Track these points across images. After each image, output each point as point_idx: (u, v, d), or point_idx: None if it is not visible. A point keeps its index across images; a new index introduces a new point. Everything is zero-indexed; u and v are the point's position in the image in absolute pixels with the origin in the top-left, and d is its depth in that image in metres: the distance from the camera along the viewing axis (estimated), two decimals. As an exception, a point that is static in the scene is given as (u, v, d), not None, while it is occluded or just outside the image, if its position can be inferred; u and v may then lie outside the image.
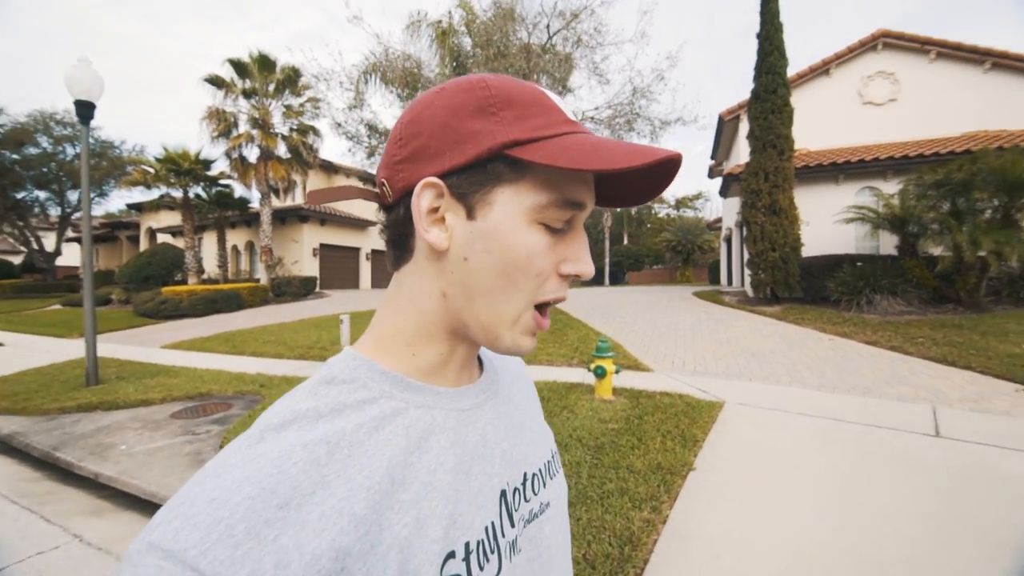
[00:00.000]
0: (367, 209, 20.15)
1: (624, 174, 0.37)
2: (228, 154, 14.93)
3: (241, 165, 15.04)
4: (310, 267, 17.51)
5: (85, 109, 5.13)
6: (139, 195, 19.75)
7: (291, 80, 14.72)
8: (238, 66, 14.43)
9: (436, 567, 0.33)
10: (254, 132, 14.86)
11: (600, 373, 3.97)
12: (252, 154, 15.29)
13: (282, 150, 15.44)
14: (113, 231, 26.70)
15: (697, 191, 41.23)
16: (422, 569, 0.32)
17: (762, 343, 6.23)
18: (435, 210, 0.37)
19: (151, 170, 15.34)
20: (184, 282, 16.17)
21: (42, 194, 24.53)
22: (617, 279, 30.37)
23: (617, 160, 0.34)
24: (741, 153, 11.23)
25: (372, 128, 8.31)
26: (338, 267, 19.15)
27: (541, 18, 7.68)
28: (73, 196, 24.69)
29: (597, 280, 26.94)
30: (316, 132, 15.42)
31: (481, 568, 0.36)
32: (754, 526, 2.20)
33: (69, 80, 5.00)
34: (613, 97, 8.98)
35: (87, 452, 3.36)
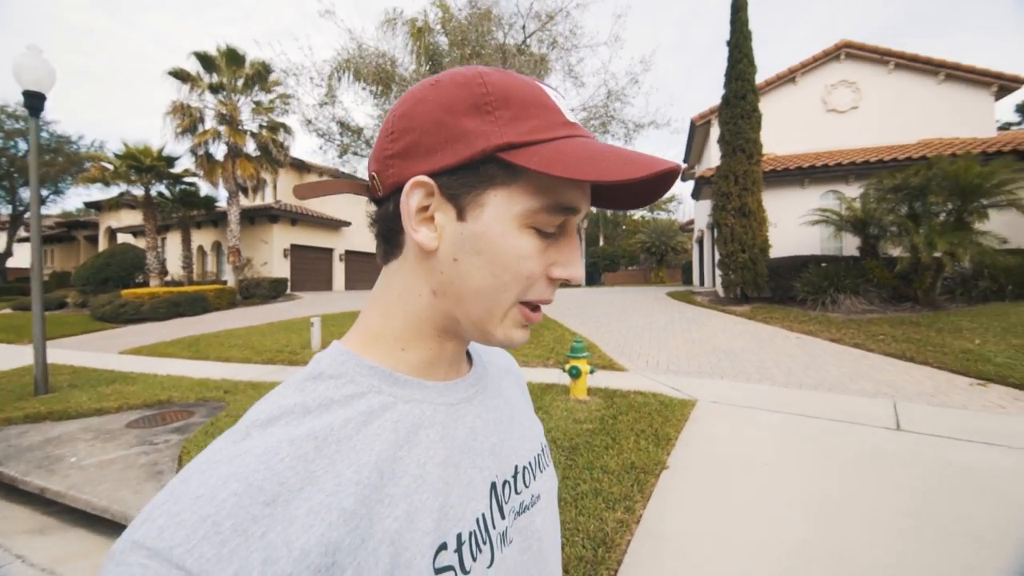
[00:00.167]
0: (341, 209, 19.76)
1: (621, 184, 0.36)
2: (193, 151, 14.37)
3: (207, 162, 14.51)
4: (280, 268, 17.02)
5: (34, 100, 4.83)
6: (98, 193, 18.90)
7: (261, 76, 14.29)
8: (205, 60, 13.93)
9: (428, 559, 0.33)
10: (221, 128, 14.35)
11: (575, 373, 3.97)
12: (219, 151, 14.77)
13: (251, 147, 14.97)
14: (70, 231, 25.39)
15: (671, 194, 42.11)
16: (414, 561, 0.32)
17: (732, 342, 6.37)
18: (424, 208, 0.37)
19: (110, 167, 14.65)
20: (146, 284, 15.50)
21: (-9, 191, 23.17)
22: (593, 280, 30.68)
23: (613, 171, 0.33)
24: (712, 157, 11.50)
25: (344, 126, 8.13)
26: (310, 268, 18.69)
27: (517, 19, 7.67)
28: (25, 194, 23.37)
29: (574, 281, 27.08)
30: (287, 129, 15.02)
31: (474, 559, 0.36)
32: (725, 523, 2.22)
33: (17, 69, 4.69)
34: (588, 99, 9.05)
35: (33, 465, 3.14)
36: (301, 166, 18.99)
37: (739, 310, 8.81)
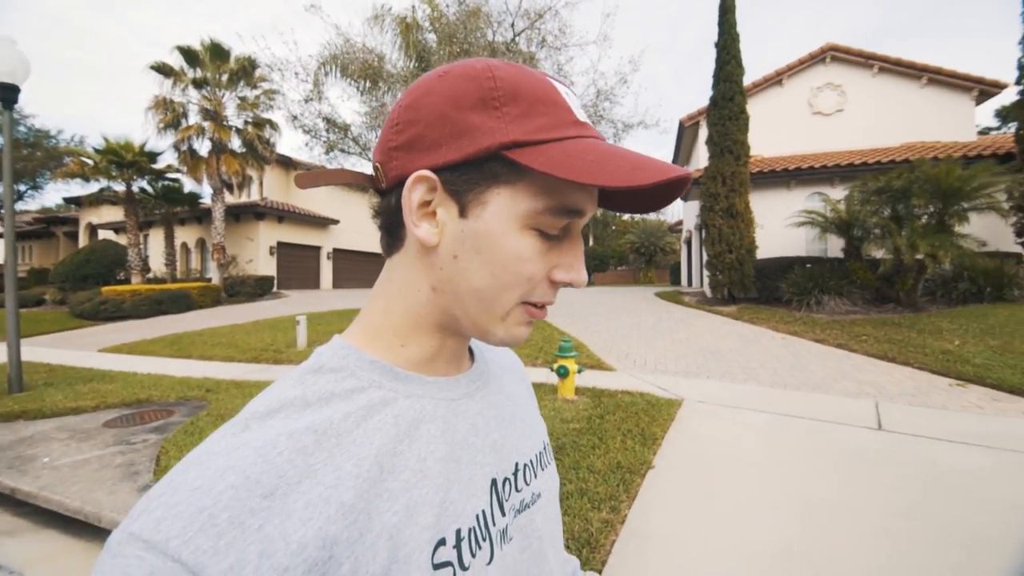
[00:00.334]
0: (328, 206, 19.55)
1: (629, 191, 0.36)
2: (177, 146, 14.11)
3: (191, 158, 14.25)
4: (266, 266, 16.78)
5: (7, 92, 4.67)
6: (78, 188, 18.45)
7: (246, 71, 14.07)
8: (188, 54, 13.67)
9: (427, 554, 0.33)
10: (205, 124, 14.10)
11: (563, 373, 3.96)
12: (203, 147, 14.53)
13: (236, 144, 14.74)
14: (48, 227, 24.74)
15: (660, 194, 42.21)
16: (413, 556, 0.32)
17: (719, 342, 6.41)
18: (427, 203, 0.36)
19: (90, 162, 14.33)
20: (127, 281, 15.17)
21: (-36, 185, 22.47)
22: (583, 280, 30.71)
23: (621, 176, 0.32)
24: (700, 158, 11.58)
25: (330, 122, 8.03)
26: (297, 266, 18.45)
27: (506, 16, 7.65)
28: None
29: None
30: (273, 125, 14.81)
31: (473, 555, 0.36)
32: (710, 523, 2.22)
33: (-12, 59, 4.55)
34: (577, 99, 9.06)
35: (4, 465, 3.04)
36: (288, 163, 18.75)
37: (726, 310, 8.89)
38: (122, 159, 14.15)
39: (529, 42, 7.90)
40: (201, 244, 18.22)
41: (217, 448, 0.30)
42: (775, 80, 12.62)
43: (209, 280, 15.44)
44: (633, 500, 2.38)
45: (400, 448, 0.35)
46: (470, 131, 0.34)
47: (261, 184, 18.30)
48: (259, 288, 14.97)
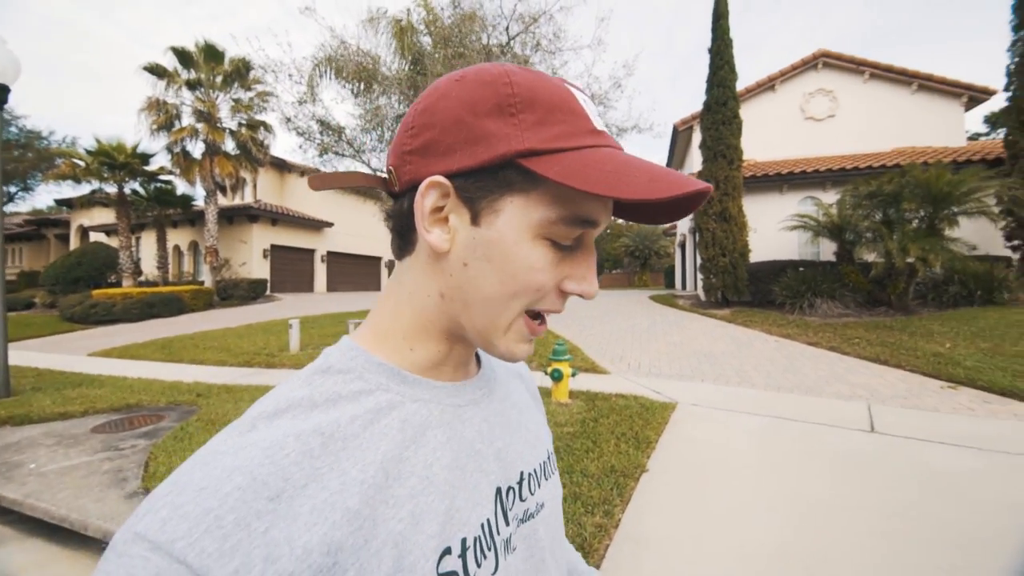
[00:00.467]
0: (322, 209, 19.49)
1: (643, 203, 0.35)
2: (170, 148, 14.04)
3: (184, 160, 14.18)
4: (260, 269, 16.68)
5: (-3, 92, 4.63)
6: (69, 190, 18.27)
7: (240, 73, 14.03)
8: (182, 55, 13.62)
9: (432, 563, 0.32)
10: (199, 126, 14.04)
11: (557, 376, 3.95)
12: (197, 149, 14.47)
13: (230, 146, 14.68)
14: (39, 229, 24.47)
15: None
16: (418, 564, 0.32)
17: (713, 345, 6.43)
18: (439, 209, 0.36)
19: (81, 163, 14.20)
20: (118, 284, 15.03)
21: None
22: (578, 283, 30.82)
23: (637, 189, 0.32)
24: (694, 162, 11.65)
25: (324, 124, 8.00)
26: (291, 269, 18.36)
27: (500, 20, 7.66)
28: (-10, 190, 22.48)
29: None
30: (268, 128, 14.76)
31: (478, 565, 0.35)
32: (703, 525, 2.21)
33: (-23, 59, 4.50)
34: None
35: (-12, 473, 2.99)
36: (282, 165, 18.70)
37: (720, 313, 8.92)
38: (114, 161, 14.05)
39: (524, 46, 7.93)
40: (194, 247, 18.10)
41: (224, 448, 0.30)
42: (768, 85, 12.73)
43: (202, 283, 15.33)
44: (627, 504, 2.37)
45: (406, 454, 0.35)
46: (485, 138, 0.33)
47: (255, 186, 18.24)
48: (252, 291, 14.87)
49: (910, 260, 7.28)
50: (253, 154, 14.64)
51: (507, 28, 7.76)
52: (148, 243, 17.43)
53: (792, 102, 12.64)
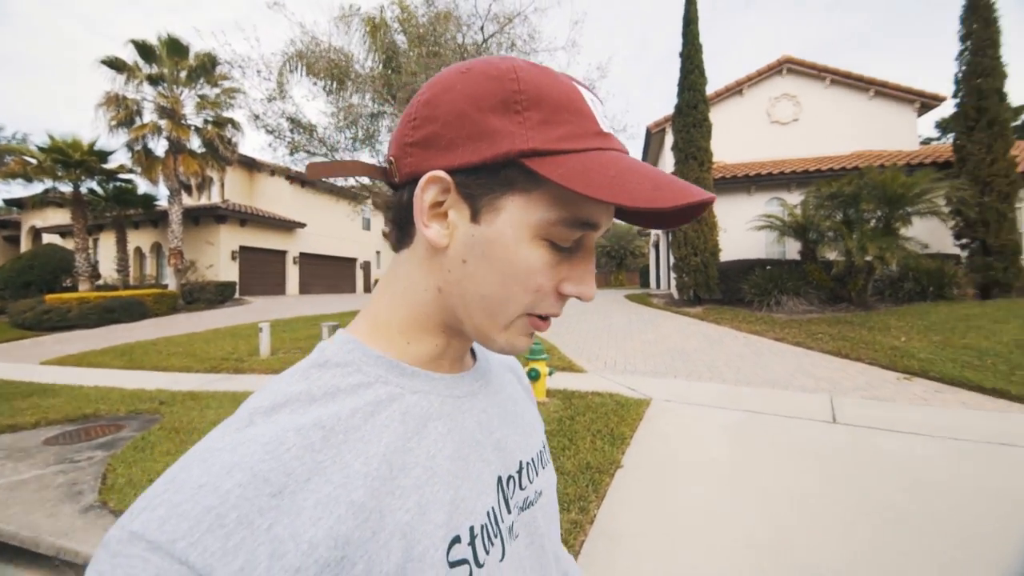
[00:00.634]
0: (294, 210, 19.01)
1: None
2: (130, 146, 13.42)
3: (146, 158, 13.59)
4: (228, 271, 16.12)
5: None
6: (20, 189, 17.23)
7: (206, 68, 13.54)
8: (143, 49, 13.06)
9: (442, 552, 0.32)
10: (162, 122, 13.49)
11: (534, 376, 3.96)
12: (160, 146, 13.88)
13: (196, 143, 14.16)
14: (-15, 230, 23.05)
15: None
16: (427, 554, 0.32)
17: (686, 342, 6.58)
18: (439, 204, 0.36)
19: (33, 160, 13.44)
20: (74, 288, 14.28)
21: None
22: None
23: (640, 196, 0.31)
24: (667, 164, 11.90)
25: (294, 122, 7.80)
26: (261, 271, 17.81)
27: (475, 20, 7.64)
28: (-70, 188, 21.05)
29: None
30: (235, 125, 14.29)
31: (487, 552, 0.36)
32: (674, 520, 2.26)
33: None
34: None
35: (-73, 491, 2.79)
36: (252, 164, 18.16)
37: (692, 311, 9.14)
38: (69, 158, 13.35)
39: (500, 47, 7.93)
40: (157, 249, 17.38)
41: (221, 444, 0.29)
42: (736, 90, 13.11)
43: (165, 287, 14.73)
44: (602, 500, 2.40)
45: (410, 445, 0.35)
46: (489, 134, 0.33)
47: (222, 186, 17.63)
48: (220, 294, 14.38)
49: (868, 258, 7.62)
50: (220, 152, 14.15)
51: (482, 28, 7.73)
52: (107, 245, 16.64)
53: (759, 106, 13.06)
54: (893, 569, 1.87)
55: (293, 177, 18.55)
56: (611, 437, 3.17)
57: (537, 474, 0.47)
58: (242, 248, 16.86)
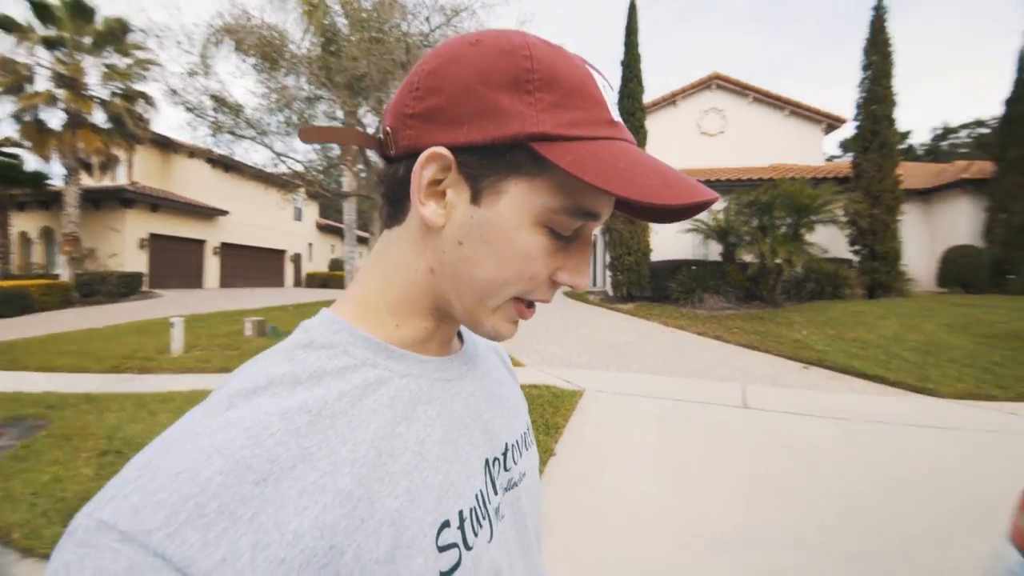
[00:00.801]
0: (216, 196, 17.57)
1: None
2: (18, 116, 11.79)
3: (37, 132, 11.99)
4: (135, 261, 14.59)
5: None
6: None
7: (115, 35, 12.19)
8: (40, 8, 11.50)
9: (431, 537, 0.32)
10: (59, 92, 11.96)
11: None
12: (55, 119, 12.30)
13: (100, 118, 12.69)
14: None
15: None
16: (416, 540, 0.31)
17: (618, 336, 6.89)
18: (437, 182, 0.34)
19: None
20: (-59, 277, 12.30)
21: None
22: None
23: (648, 191, 0.30)
24: (605, 166, 12.30)
25: (219, 101, 7.22)
26: (175, 262, 16.30)
27: (421, 9, 7.48)
28: None
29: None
30: (148, 100, 12.99)
31: (475, 534, 0.35)
32: (601, 503, 2.37)
33: None
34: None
35: None
36: (167, 144, 16.48)
37: (625, 308, 9.58)
38: (-66, 126, 11.46)
39: (445, 38, 7.84)
40: (47, 234, 15.39)
41: (199, 428, 0.28)
42: (670, 101, 13.89)
43: (56, 276, 13.07)
44: (533, 485, 2.47)
45: (399, 430, 0.34)
46: (498, 113, 0.31)
47: (131, 166, 15.88)
48: (124, 286, 12.98)
49: (779, 261, 8.41)
50: (129, 129, 12.77)
51: (428, 18, 7.59)
52: (-16, 228, 14.45)
53: (691, 118, 13.93)
54: (790, 532, 2.09)
55: (215, 160, 17.08)
56: (546, 427, 3.26)
57: (521, 455, 0.47)
58: (153, 236, 15.35)
